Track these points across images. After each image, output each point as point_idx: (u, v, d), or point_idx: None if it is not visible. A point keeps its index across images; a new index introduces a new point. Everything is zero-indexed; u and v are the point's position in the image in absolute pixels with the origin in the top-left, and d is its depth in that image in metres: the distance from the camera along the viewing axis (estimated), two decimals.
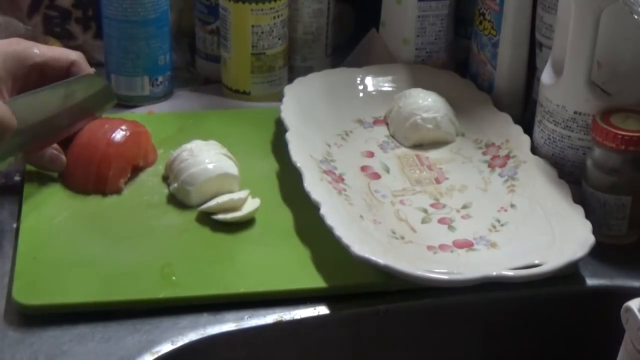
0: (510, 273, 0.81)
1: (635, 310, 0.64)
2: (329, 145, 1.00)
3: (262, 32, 1.09)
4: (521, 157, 0.97)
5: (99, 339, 0.78)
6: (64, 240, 0.87)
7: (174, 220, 0.90)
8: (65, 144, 0.95)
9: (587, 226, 0.86)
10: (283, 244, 0.88)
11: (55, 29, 1.14)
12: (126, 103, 1.09)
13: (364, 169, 0.98)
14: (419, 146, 1.02)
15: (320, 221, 0.85)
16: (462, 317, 0.87)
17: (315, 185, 0.89)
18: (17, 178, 0.96)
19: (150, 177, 0.96)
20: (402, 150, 1.02)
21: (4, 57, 0.91)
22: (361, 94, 1.09)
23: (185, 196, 0.92)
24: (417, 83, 1.08)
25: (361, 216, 0.89)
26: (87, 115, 0.96)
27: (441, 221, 0.91)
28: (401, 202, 0.93)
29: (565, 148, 0.94)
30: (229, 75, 1.12)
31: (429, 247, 0.87)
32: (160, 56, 1.09)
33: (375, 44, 1.15)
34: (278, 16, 1.09)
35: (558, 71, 0.93)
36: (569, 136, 0.93)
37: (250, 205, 0.90)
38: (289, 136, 0.96)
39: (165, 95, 1.11)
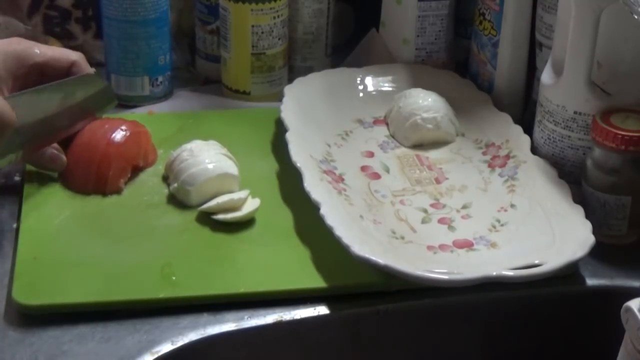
0: (510, 273, 0.81)
1: (635, 310, 0.64)
2: (329, 145, 1.00)
3: (262, 32, 1.09)
4: (521, 157, 0.97)
5: (99, 339, 0.78)
6: (64, 240, 0.87)
7: (174, 220, 0.90)
8: (66, 144, 0.95)
9: (587, 226, 0.86)
10: (283, 244, 0.88)
11: (55, 29, 1.14)
12: (126, 103, 1.09)
13: (364, 169, 0.98)
14: (419, 146, 1.02)
15: (320, 221, 0.85)
16: (462, 317, 0.87)
17: (315, 185, 0.89)
18: (17, 178, 0.96)
19: (150, 177, 0.96)
20: (402, 150, 1.02)
21: (5, 56, 0.91)
22: (361, 94, 1.09)
23: (185, 196, 0.92)
24: (417, 83, 1.08)
25: (361, 216, 0.89)
26: (87, 116, 0.97)
27: (441, 221, 0.91)
28: (401, 202, 0.93)
29: (565, 148, 0.94)
30: (229, 75, 1.12)
31: (429, 247, 0.87)
32: (160, 56, 1.09)
33: (375, 44, 1.15)
34: (278, 16, 1.09)
35: (558, 71, 0.93)
36: (569, 136, 0.93)
37: (250, 205, 0.90)
38: (289, 136, 0.96)
39: (165, 95, 1.11)
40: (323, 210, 0.86)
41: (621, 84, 0.92)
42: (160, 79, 1.10)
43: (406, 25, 1.11)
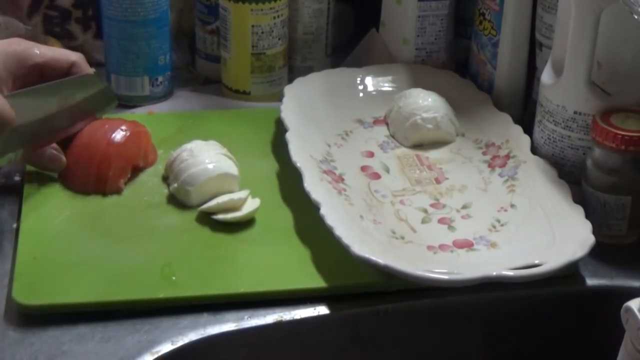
0: (510, 273, 0.81)
1: (635, 310, 0.64)
2: (329, 145, 1.00)
3: (262, 32, 1.09)
4: (521, 157, 0.97)
5: (99, 339, 0.78)
6: (64, 240, 0.87)
7: (174, 220, 0.90)
8: (65, 144, 0.95)
9: (587, 226, 0.86)
10: (283, 244, 0.88)
11: (55, 29, 1.14)
12: (126, 103, 1.09)
13: (364, 169, 0.98)
14: (419, 146, 1.02)
15: (320, 221, 0.85)
16: (462, 317, 0.87)
17: (315, 185, 0.89)
18: (17, 178, 0.96)
19: (150, 177, 0.96)
20: (402, 150, 1.02)
21: (4, 57, 0.91)
22: (361, 94, 1.09)
23: (185, 196, 0.92)
24: (417, 83, 1.08)
25: (361, 216, 0.89)
26: (86, 116, 0.96)
27: (441, 221, 0.91)
28: (401, 202, 0.93)
29: (565, 148, 0.94)
30: (229, 75, 1.12)
31: (429, 247, 0.87)
32: (160, 56, 1.09)
33: (375, 44, 1.15)
34: (278, 16, 1.09)
35: (558, 71, 0.93)
36: (569, 136, 0.93)
37: (250, 205, 0.90)
38: (289, 136, 0.96)
39: (165, 95, 1.11)
40: (323, 210, 0.86)
41: (621, 84, 0.92)
42: (160, 79, 1.10)
43: (406, 25, 1.11)
